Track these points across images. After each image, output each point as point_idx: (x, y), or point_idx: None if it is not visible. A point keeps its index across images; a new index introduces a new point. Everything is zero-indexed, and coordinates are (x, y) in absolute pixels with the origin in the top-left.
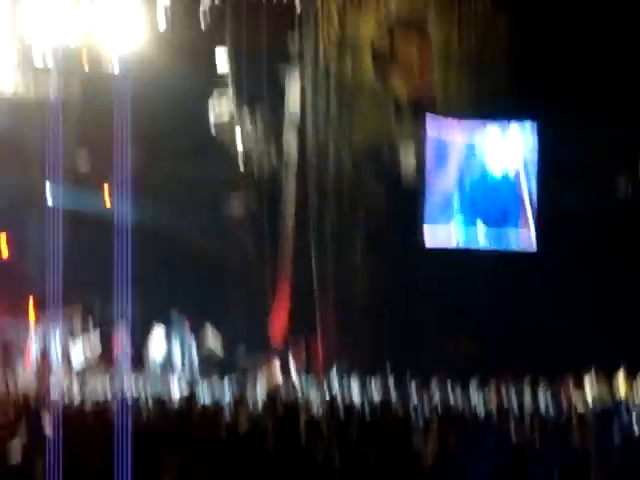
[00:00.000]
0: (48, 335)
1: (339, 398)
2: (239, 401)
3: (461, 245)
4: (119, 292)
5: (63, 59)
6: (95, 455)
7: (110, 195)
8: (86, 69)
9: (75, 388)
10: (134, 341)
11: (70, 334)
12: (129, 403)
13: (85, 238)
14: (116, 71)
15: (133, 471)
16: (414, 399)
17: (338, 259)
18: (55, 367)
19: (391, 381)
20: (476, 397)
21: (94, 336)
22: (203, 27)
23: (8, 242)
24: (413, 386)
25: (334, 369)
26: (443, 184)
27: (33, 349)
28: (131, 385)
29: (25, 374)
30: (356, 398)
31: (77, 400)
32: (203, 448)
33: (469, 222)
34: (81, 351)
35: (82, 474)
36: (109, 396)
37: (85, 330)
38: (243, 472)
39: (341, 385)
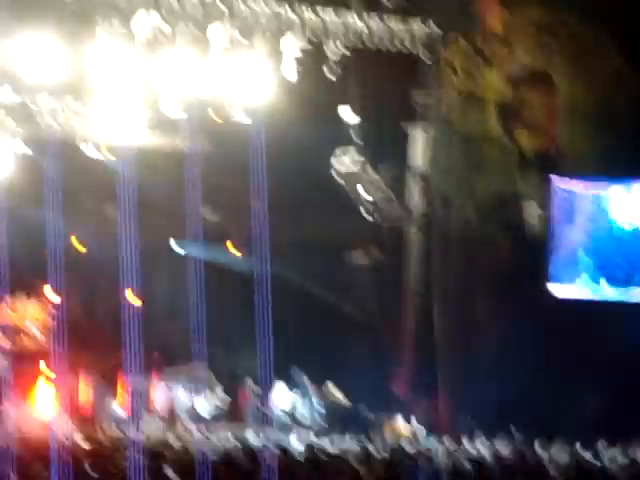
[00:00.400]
0: (176, 386)
1: (464, 453)
2: (364, 454)
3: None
4: (245, 346)
5: (195, 111)
6: None
7: (239, 248)
8: (217, 121)
9: (199, 436)
10: (260, 394)
11: (197, 386)
12: (269, 454)
13: (214, 292)
14: (246, 123)
15: None
16: (542, 457)
17: (461, 313)
18: (183, 417)
19: (517, 438)
20: (605, 457)
21: (220, 389)
22: (330, 79)
23: (139, 294)
24: (538, 444)
25: (457, 424)
26: (569, 239)
27: (161, 398)
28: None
29: (152, 422)
30: (484, 453)
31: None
32: None
33: (595, 280)
34: (207, 402)
35: None
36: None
37: (211, 383)
38: None
39: (469, 442)
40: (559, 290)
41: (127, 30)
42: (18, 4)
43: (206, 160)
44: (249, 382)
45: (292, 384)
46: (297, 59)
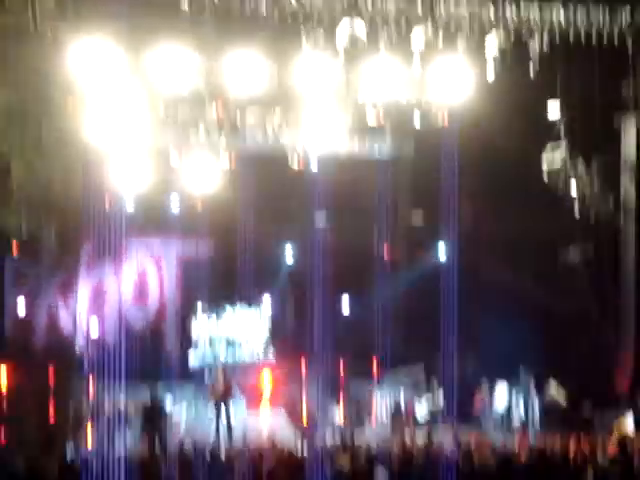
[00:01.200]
0: (394, 391)
1: None
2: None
3: None
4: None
5: (396, 117)
6: None
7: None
8: (417, 126)
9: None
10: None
11: (415, 390)
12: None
13: (420, 296)
14: (446, 125)
15: None
16: None
17: None
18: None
19: None
20: None
21: (438, 392)
22: (532, 76)
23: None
24: None
25: None
26: None
27: (379, 405)
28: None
29: (372, 429)
30: None
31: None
32: None
33: None
34: (426, 406)
35: None
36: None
37: (430, 386)
38: None
39: None
40: None
41: (330, 39)
42: (225, 21)
43: (411, 165)
44: (483, 384)
45: (514, 383)
46: (500, 57)
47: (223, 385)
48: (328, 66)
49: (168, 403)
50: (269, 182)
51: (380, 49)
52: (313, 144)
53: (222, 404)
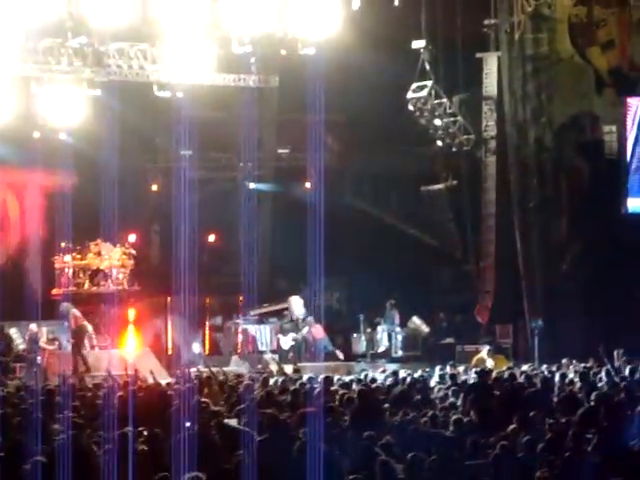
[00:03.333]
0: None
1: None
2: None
3: None
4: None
5: (261, 48)
6: None
7: (310, 183)
8: (282, 53)
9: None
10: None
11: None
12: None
13: (287, 227)
14: (311, 54)
15: None
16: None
17: (542, 234)
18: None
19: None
20: None
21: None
22: (397, 12)
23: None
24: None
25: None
26: (632, 156)
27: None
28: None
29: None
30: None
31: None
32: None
33: None
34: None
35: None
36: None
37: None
38: None
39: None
40: (636, 204)
41: None
42: None
43: (277, 96)
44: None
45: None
46: None
47: (76, 321)
48: None
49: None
50: (134, 113)
51: None
52: (178, 75)
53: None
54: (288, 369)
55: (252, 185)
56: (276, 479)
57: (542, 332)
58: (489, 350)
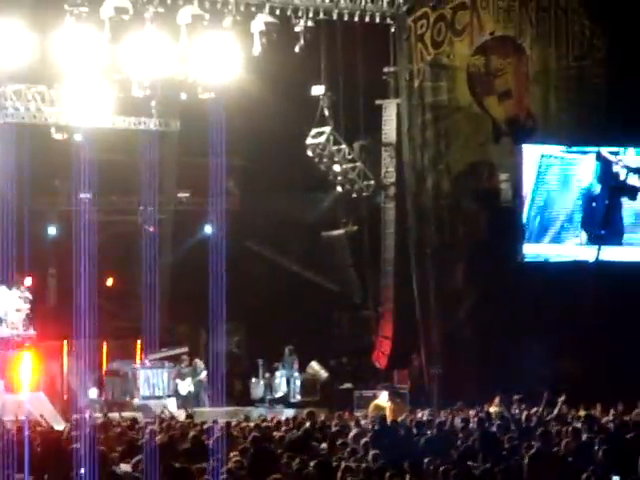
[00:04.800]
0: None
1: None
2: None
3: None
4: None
5: (161, 88)
6: None
7: (211, 227)
8: (183, 97)
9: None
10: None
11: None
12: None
13: (187, 272)
14: (212, 97)
15: None
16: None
17: (440, 281)
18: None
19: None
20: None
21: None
22: (298, 58)
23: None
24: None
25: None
26: (544, 203)
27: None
28: None
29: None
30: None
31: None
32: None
33: (567, 238)
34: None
35: None
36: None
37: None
38: None
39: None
40: (534, 250)
41: (95, 14)
42: None
43: (177, 140)
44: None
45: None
46: (267, 35)
47: None
48: (92, 39)
49: None
50: (32, 155)
51: (146, 23)
52: (77, 118)
53: None
54: (181, 415)
55: (152, 229)
56: None
57: (441, 378)
58: (390, 394)
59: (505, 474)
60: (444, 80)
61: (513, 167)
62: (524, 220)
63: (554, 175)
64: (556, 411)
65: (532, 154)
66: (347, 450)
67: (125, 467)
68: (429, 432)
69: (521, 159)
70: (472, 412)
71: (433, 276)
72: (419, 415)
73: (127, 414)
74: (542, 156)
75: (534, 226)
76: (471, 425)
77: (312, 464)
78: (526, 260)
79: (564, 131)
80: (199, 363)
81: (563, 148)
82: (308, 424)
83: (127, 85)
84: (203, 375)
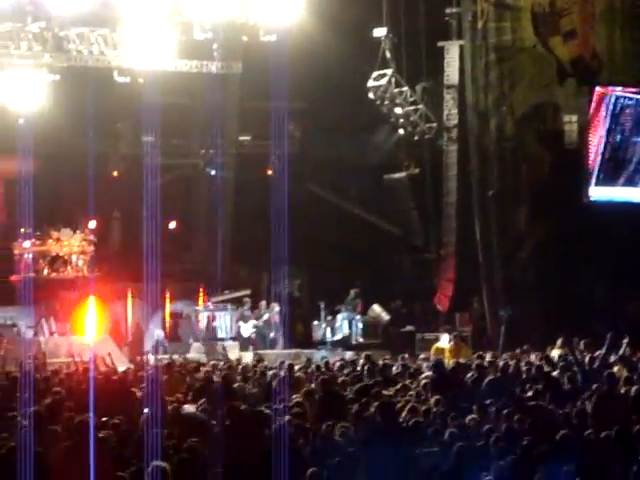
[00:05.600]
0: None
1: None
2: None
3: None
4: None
5: (223, 31)
6: None
7: (272, 170)
8: (244, 39)
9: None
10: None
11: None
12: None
13: (249, 215)
14: (273, 40)
15: None
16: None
17: (502, 225)
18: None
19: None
20: None
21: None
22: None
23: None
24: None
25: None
26: (618, 146)
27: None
28: None
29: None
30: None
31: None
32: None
33: (635, 182)
34: (251, 328)
35: None
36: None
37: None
38: None
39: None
40: (605, 193)
41: None
42: None
43: (239, 82)
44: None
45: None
46: None
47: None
48: None
49: None
50: (95, 99)
51: None
52: (140, 61)
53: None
54: (248, 357)
55: (213, 172)
56: (239, 469)
57: (509, 320)
58: (453, 337)
59: (569, 417)
60: (508, 20)
61: (578, 108)
62: (595, 162)
63: (628, 117)
64: (620, 353)
65: (603, 96)
66: (409, 393)
67: (189, 408)
68: (492, 375)
69: (590, 100)
70: (534, 355)
71: (496, 218)
72: (482, 358)
73: (190, 356)
74: (616, 98)
75: (606, 169)
76: (534, 368)
77: (375, 405)
78: (592, 201)
79: (629, 72)
80: (273, 305)
81: (636, 90)
82: (367, 367)
83: (189, 28)
84: (266, 316)
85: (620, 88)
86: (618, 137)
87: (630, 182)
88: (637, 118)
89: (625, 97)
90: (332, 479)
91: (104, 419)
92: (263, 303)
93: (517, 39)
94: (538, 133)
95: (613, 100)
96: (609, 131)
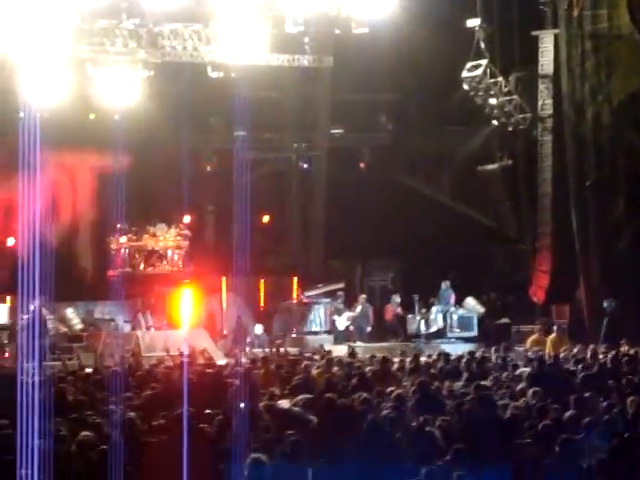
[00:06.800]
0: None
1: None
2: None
3: None
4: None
5: (314, 24)
6: None
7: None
8: (336, 32)
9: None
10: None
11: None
12: None
13: (341, 207)
14: (365, 33)
15: None
16: None
17: (600, 217)
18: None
19: None
20: None
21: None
22: None
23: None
24: None
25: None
26: None
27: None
28: None
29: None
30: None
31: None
32: None
33: None
34: (345, 321)
35: None
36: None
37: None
38: None
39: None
40: None
41: None
42: None
43: (331, 75)
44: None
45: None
46: None
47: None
48: None
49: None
50: (188, 94)
51: None
52: (233, 56)
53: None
54: (343, 350)
55: (306, 165)
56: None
57: (612, 313)
58: (556, 329)
59: None
60: (604, 7)
61: None
62: None
63: None
64: None
65: None
66: (506, 385)
67: (284, 403)
68: (590, 369)
69: None
70: (625, 348)
71: (593, 209)
72: (581, 350)
73: (287, 350)
74: None
75: None
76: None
77: (470, 397)
78: None
79: None
80: (360, 299)
81: None
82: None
83: (281, 22)
84: (358, 310)
85: None
86: None
87: None
88: None
89: None
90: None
91: (204, 412)
92: (362, 297)
93: (614, 26)
94: (636, 122)
95: None
96: None
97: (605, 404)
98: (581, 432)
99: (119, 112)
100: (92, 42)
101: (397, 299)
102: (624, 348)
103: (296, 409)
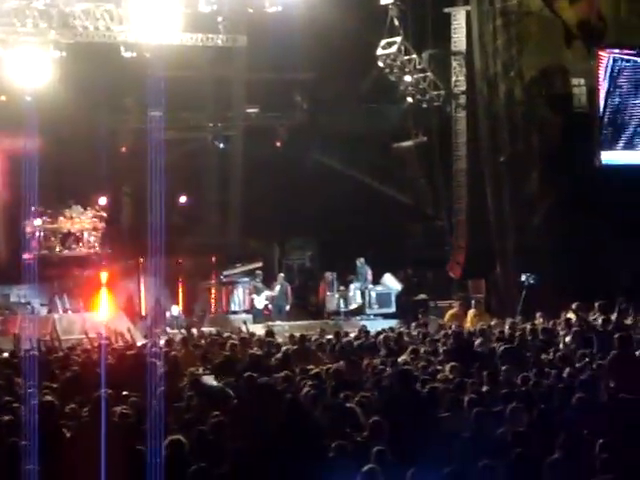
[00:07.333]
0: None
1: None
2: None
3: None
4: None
5: (228, 3)
6: None
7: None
8: (250, 11)
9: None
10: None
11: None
12: None
13: (257, 187)
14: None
15: None
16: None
17: (514, 189)
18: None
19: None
20: None
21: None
22: None
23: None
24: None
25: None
26: (616, 108)
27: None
28: None
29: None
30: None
31: None
32: None
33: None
34: (264, 301)
35: None
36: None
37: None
38: None
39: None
40: (607, 157)
41: None
42: None
43: (245, 55)
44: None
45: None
46: None
47: None
48: None
49: None
50: (102, 74)
51: None
52: (146, 35)
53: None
54: (260, 330)
55: (222, 145)
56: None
57: (529, 287)
58: (475, 303)
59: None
60: None
61: (587, 72)
62: (601, 126)
63: (625, 79)
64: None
65: (607, 58)
66: (425, 360)
67: (209, 379)
68: (508, 342)
69: (597, 63)
70: (540, 321)
71: (507, 184)
72: (499, 324)
73: (205, 329)
74: (614, 60)
75: (607, 132)
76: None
77: (390, 372)
78: (603, 165)
79: (635, 34)
80: (279, 278)
81: (634, 51)
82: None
83: (194, 1)
84: (276, 289)
85: (618, 50)
86: (617, 100)
87: (629, 145)
88: (634, 80)
89: (622, 59)
90: (352, 451)
91: (122, 394)
92: (281, 275)
93: (523, 3)
94: (547, 97)
95: (611, 62)
96: (607, 93)
97: (522, 376)
98: (498, 405)
99: (30, 93)
100: (2, 22)
101: (330, 277)
102: (539, 321)
103: (218, 386)
